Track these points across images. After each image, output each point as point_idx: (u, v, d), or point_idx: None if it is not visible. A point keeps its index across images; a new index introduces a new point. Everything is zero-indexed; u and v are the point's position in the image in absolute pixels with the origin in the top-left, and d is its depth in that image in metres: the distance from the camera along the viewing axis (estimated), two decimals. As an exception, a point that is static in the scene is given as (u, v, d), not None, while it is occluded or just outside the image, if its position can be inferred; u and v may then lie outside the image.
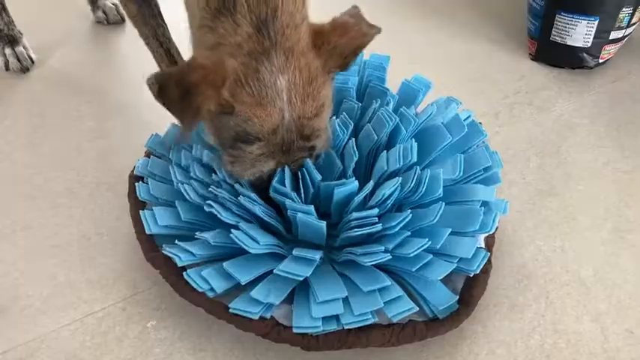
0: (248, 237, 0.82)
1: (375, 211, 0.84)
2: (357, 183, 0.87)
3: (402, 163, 0.88)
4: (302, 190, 0.86)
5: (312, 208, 0.84)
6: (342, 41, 0.80)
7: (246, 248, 0.80)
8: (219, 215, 0.84)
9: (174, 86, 0.73)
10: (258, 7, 0.75)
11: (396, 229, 0.83)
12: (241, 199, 0.84)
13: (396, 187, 0.85)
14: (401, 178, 0.86)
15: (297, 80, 0.77)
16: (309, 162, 0.85)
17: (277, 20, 0.75)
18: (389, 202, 0.85)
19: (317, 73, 0.79)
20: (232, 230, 0.82)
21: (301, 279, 0.81)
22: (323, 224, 0.83)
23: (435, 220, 0.83)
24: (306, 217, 0.83)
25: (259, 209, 0.84)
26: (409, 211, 0.84)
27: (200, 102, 0.73)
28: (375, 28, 0.82)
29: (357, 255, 0.82)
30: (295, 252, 0.82)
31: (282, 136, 0.79)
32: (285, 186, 0.84)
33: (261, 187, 0.86)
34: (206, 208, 0.85)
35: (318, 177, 0.86)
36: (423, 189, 0.85)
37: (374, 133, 0.93)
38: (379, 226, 0.82)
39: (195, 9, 0.81)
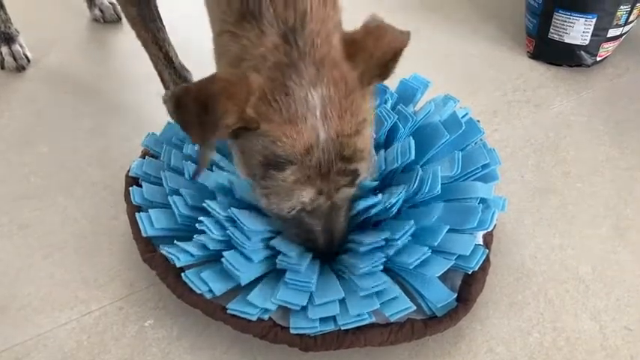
0: (239, 261, 0.81)
1: (387, 233, 0.82)
2: (380, 197, 0.84)
3: (400, 162, 0.88)
4: None
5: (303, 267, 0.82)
6: (380, 46, 0.70)
7: (236, 275, 0.80)
8: (210, 234, 0.83)
9: (192, 101, 0.66)
10: (286, 12, 0.67)
11: (399, 242, 0.82)
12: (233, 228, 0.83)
13: (400, 195, 0.84)
14: (405, 186, 0.85)
15: (333, 94, 0.68)
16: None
17: (306, 27, 0.68)
18: (393, 209, 0.85)
19: (354, 85, 0.70)
20: (224, 253, 0.81)
21: (298, 309, 0.80)
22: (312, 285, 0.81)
23: (432, 220, 0.82)
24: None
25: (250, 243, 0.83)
26: (412, 221, 0.82)
27: (219, 115, 0.65)
28: (406, 32, 0.73)
29: (354, 259, 0.82)
30: (288, 277, 0.80)
31: (318, 157, 0.69)
32: None
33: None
34: (198, 226, 0.84)
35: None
36: (426, 189, 0.85)
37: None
38: (382, 242, 0.82)
39: (216, 12, 0.73)
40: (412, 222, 0.82)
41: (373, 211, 0.84)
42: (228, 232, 0.82)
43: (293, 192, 0.72)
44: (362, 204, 0.83)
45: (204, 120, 0.66)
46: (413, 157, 0.88)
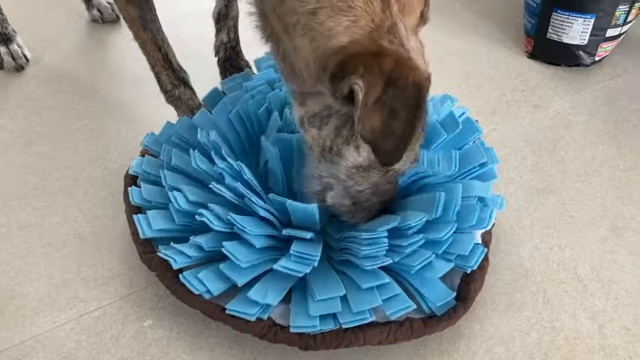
0: (239, 251, 0.81)
1: (397, 220, 0.82)
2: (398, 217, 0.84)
3: (430, 172, 0.89)
4: None
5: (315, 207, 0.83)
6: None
7: (236, 262, 0.80)
8: (210, 225, 0.83)
9: (380, 84, 0.66)
10: None
11: (406, 251, 0.81)
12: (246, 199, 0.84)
13: (420, 221, 0.82)
14: (425, 215, 0.83)
15: (418, 44, 0.78)
16: None
17: None
18: (410, 231, 0.83)
19: (416, 33, 0.79)
20: (223, 243, 0.82)
21: (300, 275, 0.80)
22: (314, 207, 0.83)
23: (447, 237, 0.82)
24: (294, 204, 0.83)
25: (263, 211, 0.84)
26: (422, 235, 0.82)
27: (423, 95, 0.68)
28: None
29: (358, 258, 0.81)
30: (293, 249, 0.81)
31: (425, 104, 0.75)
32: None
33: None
34: (197, 217, 0.84)
35: None
36: (454, 216, 0.84)
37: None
38: (386, 246, 0.81)
39: None
40: (421, 236, 0.81)
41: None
42: (229, 217, 0.82)
43: (416, 144, 0.78)
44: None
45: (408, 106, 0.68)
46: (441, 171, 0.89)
